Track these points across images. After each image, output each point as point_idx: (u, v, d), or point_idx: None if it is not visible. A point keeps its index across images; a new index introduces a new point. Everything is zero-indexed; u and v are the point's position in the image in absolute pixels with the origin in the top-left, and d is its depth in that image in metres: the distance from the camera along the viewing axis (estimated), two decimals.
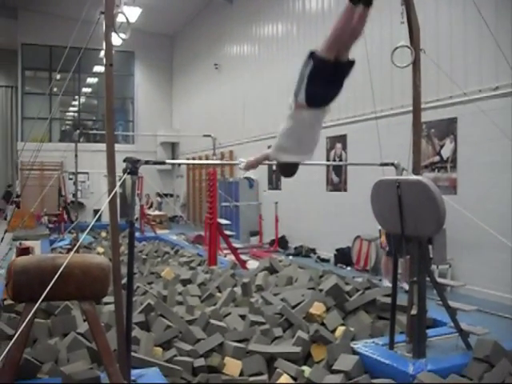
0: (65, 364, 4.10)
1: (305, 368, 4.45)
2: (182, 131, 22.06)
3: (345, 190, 11.09)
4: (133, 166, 3.71)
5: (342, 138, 11.07)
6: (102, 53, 3.88)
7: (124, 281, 4.11)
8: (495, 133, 6.57)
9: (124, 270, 4.16)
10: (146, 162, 3.89)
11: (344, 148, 11.03)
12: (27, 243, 9.42)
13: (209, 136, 11.53)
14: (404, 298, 4.90)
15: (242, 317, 5.44)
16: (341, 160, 11.10)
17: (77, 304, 4.85)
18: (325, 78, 3.45)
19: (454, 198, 7.29)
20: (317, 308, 5.39)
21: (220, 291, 6.63)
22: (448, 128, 8.25)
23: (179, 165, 22.45)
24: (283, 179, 13.45)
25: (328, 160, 11.47)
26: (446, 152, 8.31)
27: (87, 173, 20.23)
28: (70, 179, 17.94)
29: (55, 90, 21.46)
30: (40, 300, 2.85)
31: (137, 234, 12.11)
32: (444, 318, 4.93)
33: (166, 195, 19.54)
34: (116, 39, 3.85)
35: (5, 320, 4.92)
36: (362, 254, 10.02)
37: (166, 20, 21.15)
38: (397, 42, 4.96)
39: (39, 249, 10.92)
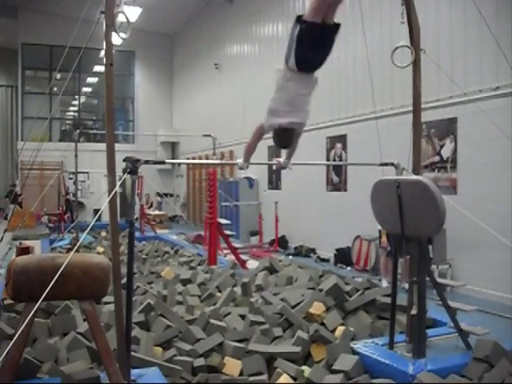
0: (65, 364, 4.11)
1: (304, 368, 4.45)
2: (182, 131, 22.06)
3: (345, 190, 11.09)
4: (133, 166, 3.71)
5: (342, 138, 11.07)
6: (103, 52, 3.88)
7: (124, 280, 4.11)
8: (495, 133, 6.57)
9: (124, 269, 4.16)
10: (146, 162, 3.88)
11: (344, 148, 11.04)
12: (27, 243, 9.41)
13: (209, 136, 11.53)
14: (404, 298, 4.90)
15: (242, 316, 5.44)
16: (341, 160, 11.10)
17: (77, 304, 4.85)
18: (313, 40, 3.59)
19: (454, 198, 7.28)
20: (317, 308, 5.39)
21: (220, 291, 6.63)
22: (448, 128, 8.25)
23: (179, 164, 22.46)
24: (283, 180, 13.46)
25: (328, 160, 11.48)
26: (446, 152, 8.31)
27: (87, 172, 20.22)
28: (70, 179, 17.96)
29: (55, 89, 21.48)
30: (40, 300, 2.85)
31: (137, 234, 12.11)
32: (444, 318, 4.93)
33: (165, 195, 19.53)
34: (116, 39, 3.85)
35: (5, 320, 4.93)
36: (361, 254, 10.02)
37: (167, 20, 21.15)
38: (397, 41, 4.95)
39: (39, 248, 10.91)
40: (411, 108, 4.92)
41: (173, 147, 23.50)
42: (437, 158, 8.50)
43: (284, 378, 4.22)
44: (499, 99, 7.29)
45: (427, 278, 4.37)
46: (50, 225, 16.63)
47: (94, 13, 4.66)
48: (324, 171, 11.74)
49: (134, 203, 3.99)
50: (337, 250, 10.72)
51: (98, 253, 10.86)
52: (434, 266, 7.16)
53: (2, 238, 8.17)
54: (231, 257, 9.87)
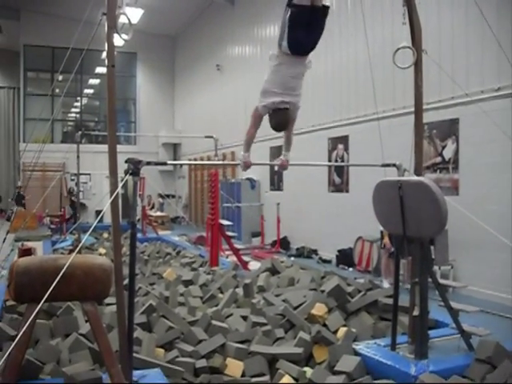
0: (67, 365, 4.11)
1: (306, 369, 4.45)
2: (183, 132, 22.07)
3: (347, 191, 11.08)
4: (135, 167, 3.71)
5: (344, 139, 11.07)
6: (104, 54, 3.89)
7: (126, 282, 4.11)
8: (497, 133, 6.56)
9: (126, 270, 4.16)
10: (148, 163, 3.89)
11: (346, 149, 11.03)
12: (29, 244, 9.43)
13: (211, 137, 11.53)
14: (406, 299, 4.90)
15: (244, 318, 5.44)
16: (343, 161, 11.10)
17: (78, 305, 4.85)
18: (303, 22, 3.80)
19: (456, 198, 7.28)
20: (319, 309, 5.39)
21: (222, 292, 6.63)
22: (450, 129, 8.25)
23: (181, 166, 22.48)
24: (285, 181, 13.46)
25: (330, 161, 11.47)
26: (448, 153, 8.31)
27: (89, 174, 20.28)
28: (72, 180, 17.99)
29: (57, 91, 21.49)
30: (42, 301, 2.85)
31: (139, 235, 12.13)
32: (446, 318, 4.92)
33: (167, 196, 19.57)
34: (118, 40, 3.85)
35: (7, 321, 4.93)
36: (363, 255, 10.02)
37: (168, 21, 21.18)
38: (399, 42, 4.96)
39: (41, 250, 10.93)
40: (413, 109, 4.92)
41: (174, 148, 23.52)
42: (439, 159, 8.49)
43: (286, 379, 4.22)
44: (501, 100, 7.28)
45: (429, 279, 4.36)
46: (52, 226, 16.65)
47: (95, 14, 4.67)
48: (326, 172, 11.74)
49: (136, 204, 4.00)
50: (339, 251, 10.71)
51: (100, 254, 10.86)
52: (436, 267, 7.15)
53: (4, 240, 8.19)
54: (233, 258, 9.86)
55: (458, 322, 4.48)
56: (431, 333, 4.66)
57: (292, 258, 11.16)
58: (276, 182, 14.16)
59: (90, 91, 24.96)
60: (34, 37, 21.17)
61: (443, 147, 8.40)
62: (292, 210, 12.85)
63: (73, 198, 16.74)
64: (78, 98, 23.77)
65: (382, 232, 8.36)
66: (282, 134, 4.70)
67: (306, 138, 12.05)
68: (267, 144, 12.99)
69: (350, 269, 10.19)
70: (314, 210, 12.09)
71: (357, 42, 10.28)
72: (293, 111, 4.21)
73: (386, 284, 7.84)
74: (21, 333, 2.93)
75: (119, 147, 3.89)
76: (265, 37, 15.04)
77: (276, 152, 12.35)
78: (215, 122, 18.06)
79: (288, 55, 3.97)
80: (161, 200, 20.24)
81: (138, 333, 4.63)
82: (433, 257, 4.49)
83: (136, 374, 3.77)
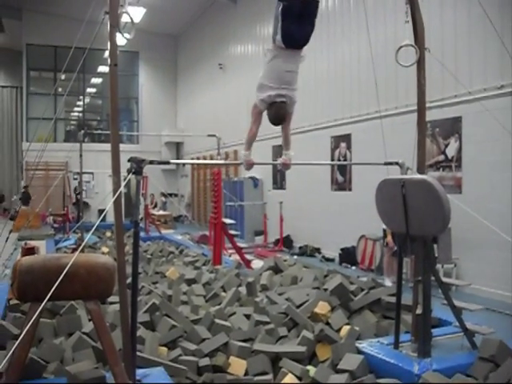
0: (70, 364, 4.11)
1: (310, 367, 4.45)
2: (186, 131, 22.08)
3: (349, 190, 11.08)
4: (137, 166, 3.71)
5: (347, 138, 11.06)
6: (107, 53, 3.89)
7: (129, 280, 4.12)
8: (500, 132, 6.55)
9: (129, 269, 4.16)
10: (151, 162, 3.89)
11: (348, 147, 11.02)
12: (32, 243, 9.42)
13: (213, 136, 11.54)
14: (409, 298, 4.89)
15: (247, 316, 5.44)
16: (345, 159, 11.09)
17: (82, 304, 4.87)
18: (295, 15, 3.97)
19: (458, 197, 7.27)
20: (322, 307, 5.39)
21: (225, 291, 6.63)
22: (453, 127, 8.23)
23: (184, 164, 22.48)
24: (287, 179, 13.46)
25: (332, 159, 11.47)
26: (451, 151, 8.29)
27: (92, 173, 20.30)
28: (75, 179, 18.01)
29: (60, 90, 21.53)
30: (45, 300, 2.85)
31: (141, 234, 12.13)
32: (449, 317, 4.90)
33: (170, 195, 19.58)
34: (120, 39, 3.86)
35: (10, 320, 4.94)
36: (366, 253, 10.01)
37: (171, 20, 21.18)
38: (401, 40, 4.94)
39: (44, 249, 10.93)
40: (416, 107, 4.92)
41: (177, 147, 23.53)
42: (441, 157, 8.48)
43: (289, 377, 4.22)
44: (504, 98, 7.27)
45: (432, 278, 4.35)
46: (55, 225, 16.67)
47: (98, 13, 4.68)
48: (329, 171, 11.74)
49: (139, 203, 4.00)
50: (342, 249, 10.71)
51: (103, 253, 10.87)
52: (439, 266, 7.14)
53: (7, 239, 8.21)
54: (236, 256, 9.87)
55: (461, 320, 4.47)
56: (434, 331, 4.66)
57: (295, 257, 11.17)
58: (279, 181, 14.16)
59: (93, 90, 24.99)
60: (37, 36, 21.21)
61: (446, 145, 8.39)
62: (295, 208, 12.85)
63: (79, 197, 16.74)
64: (81, 97, 23.81)
65: (384, 230, 8.36)
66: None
67: (309, 136, 12.05)
68: (269, 143, 12.99)
69: (353, 267, 10.19)
70: (317, 209, 12.09)
71: (359, 40, 10.26)
72: (289, 105, 4.28)
73: (387, 282, 7.84)
74: (24, 331, 2.93)
75: (122, 146, 3.90)
76: (267, 35, 14.99)
77: (278, 151, 12.32)
78: (218, 120, 18.06)
79: (282, 49, 4.09)
80: (163, 199, 20.26)
81: (141, 331, 4.64)
82: (436, 255, 4.46)
83: (139, 372, 3.77)
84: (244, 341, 4.85)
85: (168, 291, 6.39)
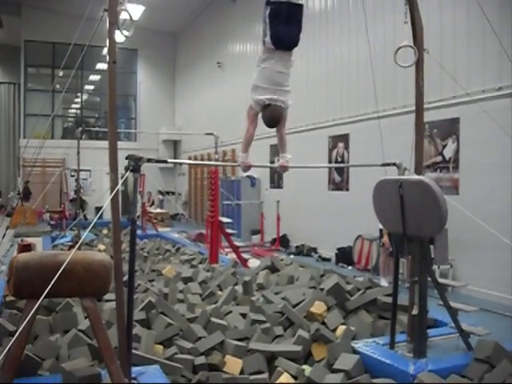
0: (66, 361, 4.11)
1: (305, 367, 4.45)
2: (184, 129, 22.05)
3: (346, 190, 11.08)
4: (135, 164, 3.70)
5: (344, 138, 11.06)
6: (105, 50, 3.88)
7: (125, 278, 4.11)
8: (498, 133, 6.56)
9: (125, 267, 4.16)
10: (149, 160, 3.88)
11: (346, 147, 11.03)
12: (29, 240, 9.42)
13: (211, 134, 11.51)
14: (405, 298, 4.90)
15: (243, 315, 5.44)
16: (343, 159, 11.10)
17: (78, 301, 4.86)
18: (282, 17, 4.15)
19: (456, 198, 7.28)
20: (318, 307, 5.39)
21: (221, 289, 6.64)
22: (450, 128, 8.24)
23: (181, 163, 22.46)
24: (285, 179, 13.45)
25: (330, 159, 11.48)
26: (449, 152, 8.30)
27: (89, 170, 20.28)
28: (72, 176, 17.97)
29: (58, 86, 21.46)
30: (42, 297, 2.85)
31: (138, 232, 12.13)
32: (445, 318, 4.92)
33: (167, 193, 19.56)
34: (119, 36, 3.84)
35: (6, 316, 4.93)
36: (363, 253, 10.02)
37: (169, 18, 21.15)
38: (400, 41, 4.95)
39: (41, 246, 10.94)
40: (414, 108, 4.92)
41: (175, 145, 23.51)
42: (439, 158, 8.49)
43: (285, 377, 4.22)
44: (502, 100, 7.28)
45: (428, 278, 4.36)
46: (52, 222, 16.64)
47: (97, 10, 4.66)
48: (326, 170, 11.75)
49: (136, 201, 3.99)
50: (338, 249, 10.72)
51: (100, 250, 10.85)
52: (435, 266, 7.15)
53: (4, 235, 8.18)
54: (233, 255, 9.87)
55: (457, 321, 4.48)
56: (430, 332, 4.67)
57: (291, 256, 11.18)
58: (276, 180, 14.16)
59: (91, 87, 24.96)
60: (35, 32, 21.15)
61: (444, 146, 8.40)
62: (292, 207, 12.85)
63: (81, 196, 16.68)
64: (79, 94, 23.74)
65: (381, 230, 8.36)
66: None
67: (307, 136, 12.05)
68: (267, 142, 12.98)
69: (350, 267, 10.21)
70: (314, 208, 12.09)
71: (358, 41, 10.26)
72: (283, 109, 4.34)
73: (383, 282, 7.85)
74: (20, 328, 2.93)
75: (119, 144, 3.89)
76: None
77: (276, 150, 12.33)
78: (216, 119, 18.05)
79: (272, 50, 4.23)
80: (161, 197, 20.23)
81: (137, 329, 4.64)
82: (432, 256, 4.47)
83: (135, 370, 3.77)
84: (240, 340, 4.85)
85: (164, 289, 6.39)
